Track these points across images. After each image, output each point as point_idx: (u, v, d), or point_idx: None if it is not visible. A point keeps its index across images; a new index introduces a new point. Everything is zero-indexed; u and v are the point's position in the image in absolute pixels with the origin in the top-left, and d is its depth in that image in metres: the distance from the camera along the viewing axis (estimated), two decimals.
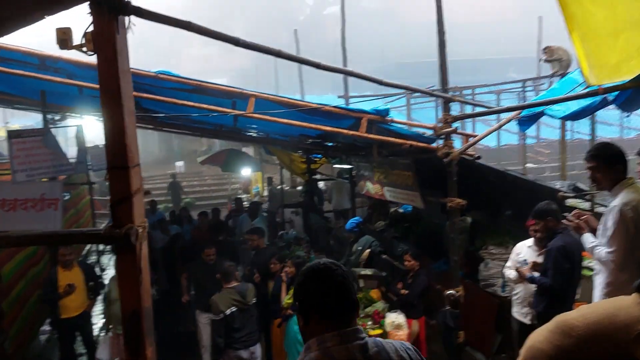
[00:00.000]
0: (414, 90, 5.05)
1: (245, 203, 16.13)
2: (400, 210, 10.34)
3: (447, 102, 5.69)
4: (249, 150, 20.52)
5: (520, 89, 10.72)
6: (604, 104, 5.24)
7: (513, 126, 14.46)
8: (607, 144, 3.59)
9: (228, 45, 2.95)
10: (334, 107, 5.53)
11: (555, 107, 5.78)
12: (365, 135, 5.64)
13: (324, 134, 7.33)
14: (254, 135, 9.90)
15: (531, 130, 15.35)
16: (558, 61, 6.64)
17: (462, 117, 5.66)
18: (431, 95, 5.18)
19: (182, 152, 29.30)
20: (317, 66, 3.62)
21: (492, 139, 13.37)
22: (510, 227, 7.59)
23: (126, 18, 2.38)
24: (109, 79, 2.30)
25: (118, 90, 2.29)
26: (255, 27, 33.55)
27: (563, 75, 6.60)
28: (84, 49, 2.37)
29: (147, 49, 27.12)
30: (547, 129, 14.74)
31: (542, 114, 5.87)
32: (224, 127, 8.45)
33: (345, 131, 5.71)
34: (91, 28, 2.28)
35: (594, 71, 4.59)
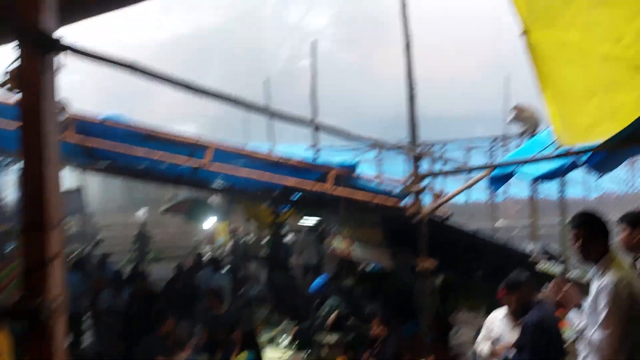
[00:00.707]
0: (382, 146, 4.83)
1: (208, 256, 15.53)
2: (369, 269, 10.00)
3: (416, 159, 5.50)
4: (215, 199, 20.00)
5: (489, 147, 10.76)
6: (575, 165, 5.13)
7: (482, 183, 14.46)
8: (593, 213, 3.37)
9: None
10: (299, 161, 5.26)
11: (525, 167, 5.66)
12: (332, 189, 5.37)
13: (291, 187, 7.04)
14: (219, 185, 9.54)
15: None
16: (527, 120, 6.62)
17: (432, 174, 5.46)
18: (401, 149, 4.96)
19: (146, 199, 28.45)
20: (281, 117, 3.37)
21: (461, 195, 13.27)
22: (482, 289, 7.32)
23: (57, 56, 2.05)
24: (29, 123, 1.95)
25: (38, 136, 1.93)
26: (229, 76, 33.81)
27: (532, 135, 6.57)
28: (8, 86, 2.04)
29: (113, 91, 26.77)
30: (516, 188, 14.81)
31: (512, 174, 5.73)
32: (184, 176, 8.07)
33: (310, 185, 5.42)
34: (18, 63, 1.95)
35: (566, 131, 4.46)
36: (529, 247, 6.13)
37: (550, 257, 5.93)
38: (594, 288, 3.19)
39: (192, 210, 16.60)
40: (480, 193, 14.73)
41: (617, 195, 12.83)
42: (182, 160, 5.13)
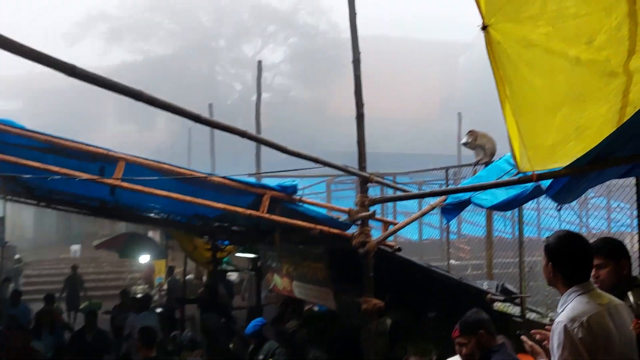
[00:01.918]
0: (327, 165, 4.17)
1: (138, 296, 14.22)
2: (316, 309, 9.19)
3: (364, 183, 4.86)
4: (155, 234, 18.78)
5: (442, 181, 10.37)
6: (535, 193, 4.61)
7: (435, 220, 14.03)
8: (568, 235, 2.75)
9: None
10: (225, 177, 4.50)
11: (482, 195, 5.12)
12: (266, 216, 4.62)
13: (224, 215, 6.23)
14: (154, 215, 8.59)
15: (452, 226, 15.08)
16: (482, 148, 6.17)
17: (382, 201, 4.83)
18: (347, 172, 4.31)
19: (81, 234, 26.66)
20: (242, 134, 2.82)
21: (414, 232, 12.79)
22: (434, 332, 6.66)
23: None
24: None
25: None
26: (184, 105, 32.74)
27: (487, 163, 6.11)
28: None
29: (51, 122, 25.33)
30: (468, 226, 14.49)
31: (468, 202, 5.17)
32: (106, 203, 7.14)
33: (240, 210, 4.66)
34: None
35: (526, 154, 3.90)
36: (485, 285, 5.54)
37: (508, 296, 5.34)
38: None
39: (127, 246, 15.31)
40: (433, 231, 14.32)
41: None
42: (88, 177, 4.28)
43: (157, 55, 35.62)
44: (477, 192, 5.13)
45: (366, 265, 4.84)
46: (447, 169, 7.41)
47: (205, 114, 3.04)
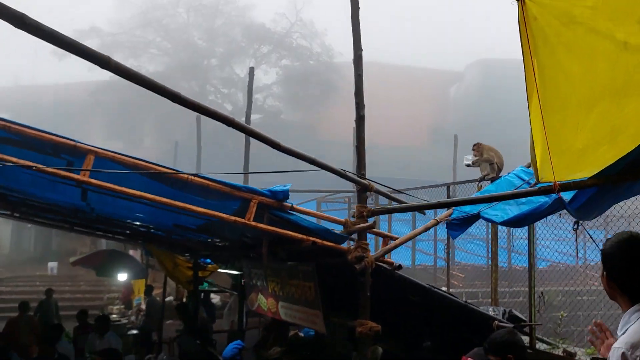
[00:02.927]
0: (324, 167, 3.71)
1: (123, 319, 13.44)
2: (301, 334, 8.57)
3: (362, 191, 4.39)
4: (135, 253, 18.03)
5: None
6: (555, 207, 4.16)
7: (427, 246, 13.48)
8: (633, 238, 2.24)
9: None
10: (212, 182, 4.00)
11: (491, 210, 4.67)
12: (253, 224, 4.11)
13: (207, 225, 5.69)
14: (132, 225, 7.99)
15: (442, 253, 14.58)
16: (488, 163, 5.76)
17: (383, 212, 4.36)
18: (345, 178, 3.85)
19: (60, 251, 25.75)
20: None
21: (407, 258, 12.27)
22: None
23: None
24: None
25: None
26: (168, 121, 32.26)
27: (494, 179, 5.69)
28: None
29: None
30: (461, 253, 14.04)
31: (476, 217, 4.71)
32: (79, 210, 6.58)
33: (225, 216, 4.14)
34: None
35: (550, 160, 3.46)
36: (490, 311, 5.03)
37: (518, 324, 4.83)
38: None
39: (105, 264, 14.53)
40: (425, 257, 13.82)
41: (566, 267, 12.29)
42: (50, 170, 3.76)
43: (148, 72, 35.19)
44: (487, 207, 4.68)
45: (363, 284, 4.34)
46: (448, 185, 6.94)
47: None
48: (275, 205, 4.26)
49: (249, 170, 13.50)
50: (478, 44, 41.54)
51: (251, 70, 11.23)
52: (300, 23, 35.31)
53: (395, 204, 4.75)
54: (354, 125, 4.54)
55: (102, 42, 34.39)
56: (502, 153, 6.56)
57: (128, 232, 10.51)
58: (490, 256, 7.70)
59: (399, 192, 4.86)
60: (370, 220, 4.33)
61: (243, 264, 7.19)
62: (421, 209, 4.56)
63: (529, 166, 5.41)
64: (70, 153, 3.83)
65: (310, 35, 35.60)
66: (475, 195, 4.72)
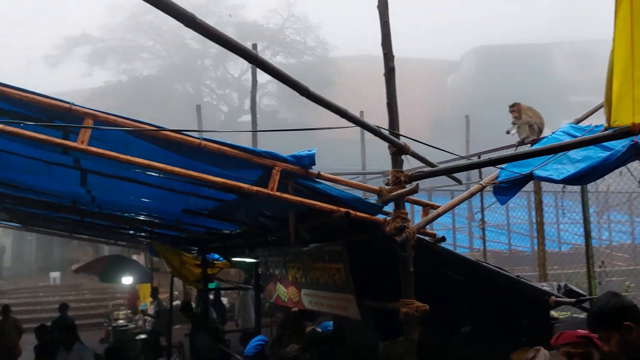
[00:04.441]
0: (359, 124, 3.19)
1: (130, 324, 12.78)
2: (319, 330, 8.03)
3: (397, 154, 3.87)
4: (139, 257, 17.50)
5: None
6: (628, 155, 3.64)
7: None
8: None
9: None
10: (230, 148, 3.47)
11: (549, 168, 4.14)
12: (277, 194, 3.58)
13: (220, 207, 5.16)
14: (137, 216, 7.45)
15: (463, 241, 14.03)
16: (527, 125, 5.25)
17: (423, 176, 3.83)
18: (379, 136, 3.32)
19: (62, 260, 25.19)
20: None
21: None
22: (465, 353, 5.55)
23: None
24: None
25: None
26: (165, 124, 31.65)
27: (534, 142, 5.18)
28: None
29: None
30: (479, 241, 13.57)
31: (529, 178, 4.19)
32: (80, 202, 6.07)
33: (245, 186, 3.61)
34: None
35: (632, 94, 2.96)
36: (545, 285, 4.50)
37: (578, 298, 4.28)
38: None
39: (109, 270, 14.00)
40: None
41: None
42: (46, 141, 3.22)
43: (142, 76, 34.62)
44: (538, 166, 4.15)
45: (404, 258, 3.80)
46: (479, 154, 6.33)
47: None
48: (300, 172, 3.73)
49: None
50: (473, 32, 41.16)
51: (254, 70, 10.75)
52: (293, 18, 34.71)
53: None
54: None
55: (94, 47, 33.81)
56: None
57: (132, 231, 10.00)
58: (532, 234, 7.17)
59: (433, 165, 4.33)
60: (409, 186, 3.81)
61: (258, 253, 6.65)
62: (471, 168, 4.04)
63: (577, 122, 4.89)
64: (65, 117, 3.30)
65: (303, 30, 35.01)
66: (509, 167, 4.18)
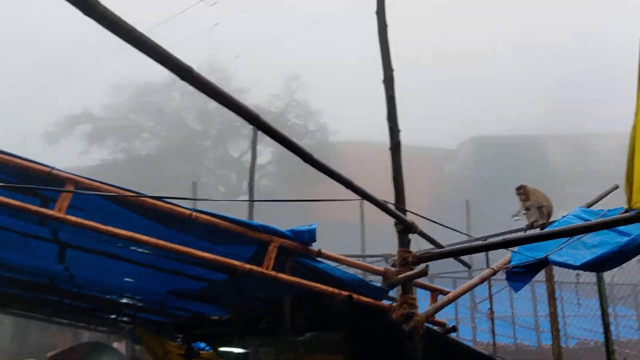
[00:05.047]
0: (366, 198, 2.94)
1: None
2: None
3: (404, 232, 3.57)
4: (120, 345, 16.45)
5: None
6: None
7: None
8: None
9: None
10: (224, 220, 3.17)
11: (563, 253, 3.83)
12: (272, 274, 3.22)
13: (208, 289, 4.74)
14: (120, 298, 6.94)
15: (466, 333, 13.25)
16: (537, 207, 5.00)
17: (433, 257, 3.50)
18: (386, 211, 3.06)
19: (40, 347, 23.72)
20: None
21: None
22: None
23: None
24: None
25: None
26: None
27: (544, 226, 4.90)
28: None
29: None
30: (483, 334, 12.81)
31: (545, 263, 3.87)
32: (57, 279, 5.62)
33: (238, 264, 3.26)
34: None
35: None
36: None
37: None
38: None
39: (86, 358, 13.06)
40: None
41: (595, 342, 11.19)
42: (21, 208, 2.92)
43: (140, 155, 34.89)
44: (553, 250, 3.85)
45: (412, 350, 3.38)
46: (485, 238, 5.94)
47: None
48: (299, 249, 3.41)
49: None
50: (468, 122, 42.20)
51: (253, 146, 10.71)
52: (295, 103, 35.75)
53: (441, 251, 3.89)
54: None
55: (95, 126, 34.32)
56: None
57: (113, 315, 9.39)
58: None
59: (440, 246, 4.03)
60: (417, 268, 3.47)
61: (248, 342, 6.10)
62: (484, 249, 3.72)
63: (587, 206, 4.65)
64: (44, 181, 3.01)
65: (304, 115, 35.94)
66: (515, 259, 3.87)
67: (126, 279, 5.21)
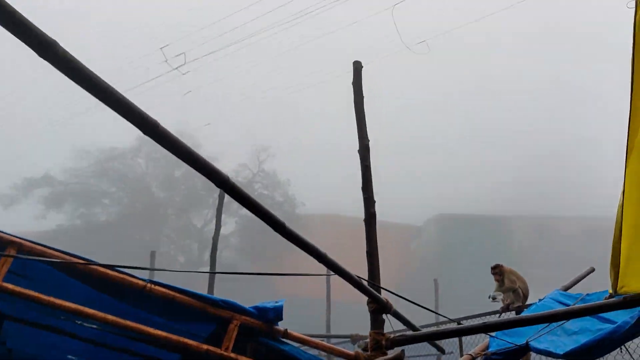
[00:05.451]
0: (340, 274, 2.73)
1: None
2: None
3: (378, 312, 3.32)
4: None
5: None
6: (638, 327, 3.20)
7: None
8: None
9: None
10: (174, 288, 2.87)
11: (543, 340, 3.63)
12: (232, 356, 2.89)
13: None
14: None
15: None
16: (511, 290, 4.82)
17: (408, 341, 3.24)
18: (360, 289, 2.84)
19: None
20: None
21: None
22: None
23: None
24: None
25: None
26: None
27: (520, 310, 4.71)
28: None
29: None
30: None
31: (525, 349, 3.65)
32: None
33: (193, 343, 2.92)
34: None
35: None
36: None
37: None
38: None
39: None
40: None
41: None
42: None
43: (99, 221, 33.70)
44: (534, 335, 3.65)
45: None
46: (458, 321, 5.63)
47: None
48: (264, 329, 3.10)
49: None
50: (434, 200, 42.84)
51: (218, 214, 10.25)
52: (263, 174, 35.75)
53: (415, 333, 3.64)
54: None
55: (54, 190, 33.22)
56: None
57: None
58: None
59: (415, 328, 3.79)
60: (392, 353, 3.20)
61: None
62: (462, 334, 3.48)
63: (565, 289, 4.52)
64: None
65: (272, 185, 35.85)
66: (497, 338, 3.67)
67: (69, 357, 4.69)
